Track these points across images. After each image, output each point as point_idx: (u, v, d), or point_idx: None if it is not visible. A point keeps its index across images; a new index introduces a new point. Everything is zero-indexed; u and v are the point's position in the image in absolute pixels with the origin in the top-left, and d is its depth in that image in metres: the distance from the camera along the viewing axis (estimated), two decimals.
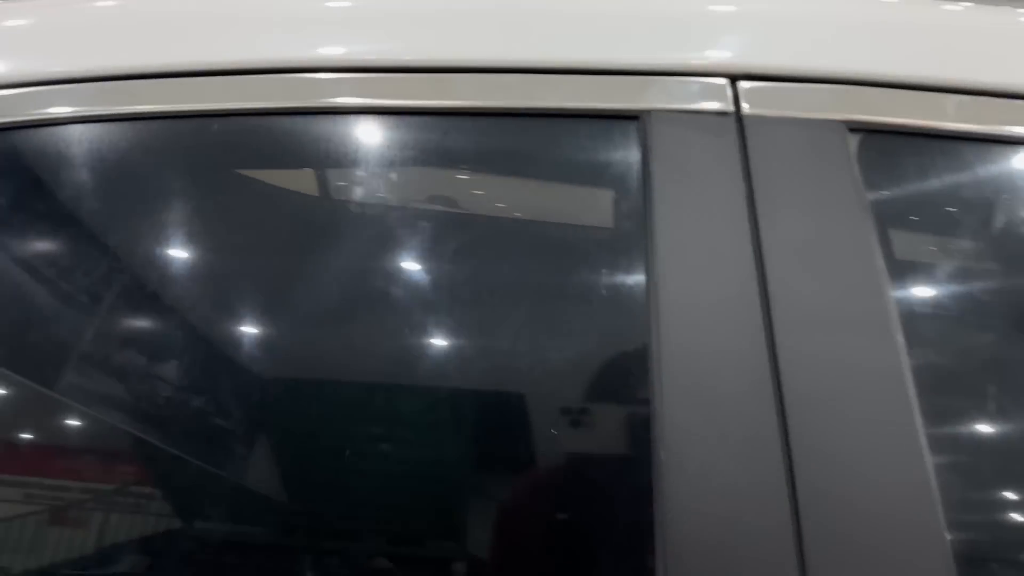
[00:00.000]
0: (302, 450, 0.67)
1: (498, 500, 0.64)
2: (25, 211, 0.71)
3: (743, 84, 0.69)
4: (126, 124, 0.69)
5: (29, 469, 0.65)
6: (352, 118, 0.72)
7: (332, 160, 0.72)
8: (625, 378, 0.65)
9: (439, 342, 0.67)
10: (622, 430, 0.65)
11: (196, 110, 0.69)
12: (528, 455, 0.65)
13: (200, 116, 0.69)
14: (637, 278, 0.66)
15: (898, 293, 0.63)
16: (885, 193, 0.69)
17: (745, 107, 0.68)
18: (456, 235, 0.71)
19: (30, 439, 0.68)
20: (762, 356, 0.60)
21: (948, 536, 0.55)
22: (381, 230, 0.71)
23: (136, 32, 0.72)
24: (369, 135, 0.73)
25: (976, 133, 0.69)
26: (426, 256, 0.69)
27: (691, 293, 0.62)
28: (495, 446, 0.66)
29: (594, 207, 0.73)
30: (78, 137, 0.69)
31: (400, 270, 0.69)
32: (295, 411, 0.66)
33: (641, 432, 0.60)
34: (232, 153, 0.73)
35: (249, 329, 0.68)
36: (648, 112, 0.68)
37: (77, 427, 0.67)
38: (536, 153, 0.73)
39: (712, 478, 0.57)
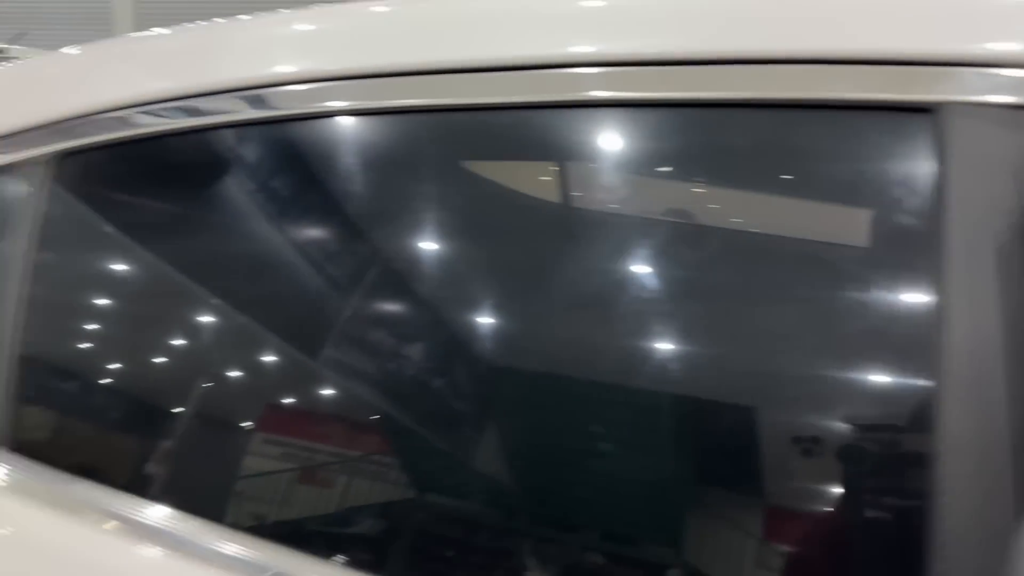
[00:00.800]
0: (530, 442, 0.67)
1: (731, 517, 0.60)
2: (303, 193, 0.78)
3: None
4: (392, 117, 0.74)
5: (285, 431, 0.72)
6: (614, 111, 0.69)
7: (587, 154, 0.71)
8: (900, 422, 0.57)
9: (699, 351, 0.63)
10: (897, 480, 0.57)
11: (456, 104, 0.71)
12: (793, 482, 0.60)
13: (459, 110, 0.72)
14: (924, 304, 0.56)
15: None
16: None
17: None
18: (712, 237, 0.66)
19: (289, 404, 0.75)
20: None
21: None
22: (635, 225, 0.68)
23: (403, 33, 0.77)
24: (630, 129, 0.69)
25: None
26: (693, 257, 0.65)
27: (992, 327, 0.52)
28: (750, 465, 0.61)
29: (874, 214, 0.64)
30: (351, 128, 0.76)
31: (663, 272, 0.65)
32: (525, 402, 0.67)
33: (918, 493, 0.53)
34: (484, 145, 0.75)
35: (489, 321, 0.69)
36: (945, 104, 0.57)
37: (330, 397, 0.73)
38: (807, 150, 0.65)
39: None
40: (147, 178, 0.81)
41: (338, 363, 0.72)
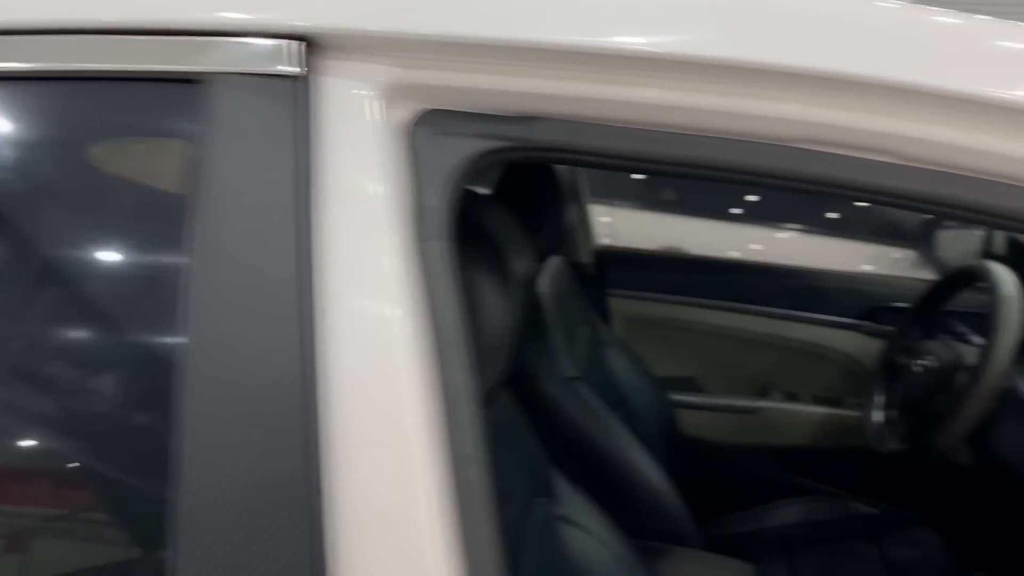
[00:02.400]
0: None
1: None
2: None
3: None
4: None
5: None
6: None
7: None
8: (157, 365, 0.62)
9: None
10: (146, 419, 0.63)
11: None
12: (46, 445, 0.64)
13: None
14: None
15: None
16: None
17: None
18: None
19: None
20: (296, 344, 0.58)
21: None
22: None
23: None
24: None
25: None
26: None
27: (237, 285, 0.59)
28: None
29: (147, 177, 0.69)
30: None
31: None
32: None
33: (166, 424, 0.57)
34: None
35: None
36: (212, 75, 0.63)
37: None
38: (86, 118, 0.68)
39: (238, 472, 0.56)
40: None
41: None
